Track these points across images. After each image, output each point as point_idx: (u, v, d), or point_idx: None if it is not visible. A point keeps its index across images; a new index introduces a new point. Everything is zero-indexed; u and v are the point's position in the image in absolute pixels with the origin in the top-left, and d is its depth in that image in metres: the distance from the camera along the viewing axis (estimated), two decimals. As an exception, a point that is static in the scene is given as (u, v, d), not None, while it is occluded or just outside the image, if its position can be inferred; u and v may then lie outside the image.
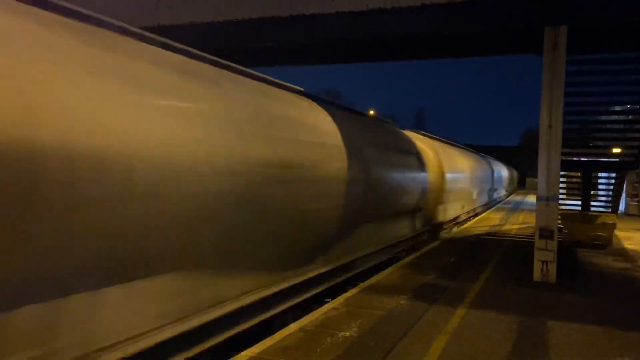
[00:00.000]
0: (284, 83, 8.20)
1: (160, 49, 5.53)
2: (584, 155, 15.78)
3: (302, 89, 8.79)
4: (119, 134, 4.14)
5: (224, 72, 6.53)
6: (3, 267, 3.42)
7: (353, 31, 9.08)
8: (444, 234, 17.00)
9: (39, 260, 3.64)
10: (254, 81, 7.23)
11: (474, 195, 24.68)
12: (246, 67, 7.16)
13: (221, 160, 5.37)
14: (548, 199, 9.32)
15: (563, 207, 15.72)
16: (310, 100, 8.75)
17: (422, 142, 15.98)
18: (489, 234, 16.94)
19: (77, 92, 3.88)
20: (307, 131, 7.74)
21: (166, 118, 4.80)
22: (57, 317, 3.85)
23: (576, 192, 16.70)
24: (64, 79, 3.83)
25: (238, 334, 6.06)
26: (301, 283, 7.65)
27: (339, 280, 9.04)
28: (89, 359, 4.05)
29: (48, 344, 3.79)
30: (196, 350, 5.30)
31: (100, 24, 4.76)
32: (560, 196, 13.13)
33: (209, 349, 5.57)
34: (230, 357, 5.35)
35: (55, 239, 3.71)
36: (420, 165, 14.18)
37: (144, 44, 5.26)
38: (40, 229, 3.57)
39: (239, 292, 6.08)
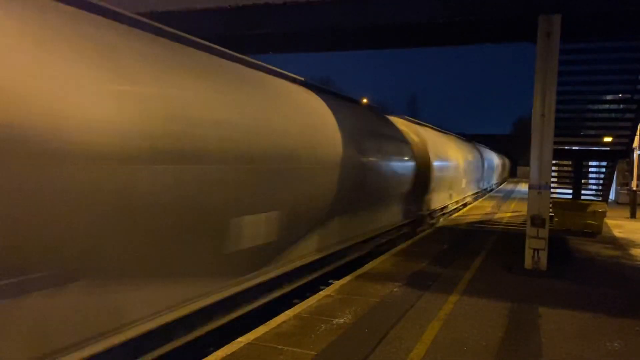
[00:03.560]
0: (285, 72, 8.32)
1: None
2: (576, 144, 15.90)
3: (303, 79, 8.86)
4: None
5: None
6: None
7: (349, 19, 9.05)
8: (436, 222, 17.06)
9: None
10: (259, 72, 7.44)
11: (465, 184, 24.45)
12: (241, 54, 7.13)
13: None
14: (540, 188, 9.39)
15: (554, 195, 15.85)
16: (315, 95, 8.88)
17: (409, 129, 15.23)
18: (481, 222, 17.07)
19: None
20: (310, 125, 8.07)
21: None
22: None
23: (567, 180, 16.84)
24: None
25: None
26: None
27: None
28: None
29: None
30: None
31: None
32: (552, 185, 13.23)
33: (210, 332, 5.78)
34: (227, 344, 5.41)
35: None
36: (405, 153, 13.49)
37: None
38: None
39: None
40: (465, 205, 23.94)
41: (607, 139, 15.55)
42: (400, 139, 13.58)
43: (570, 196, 15.62)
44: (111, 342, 4.22)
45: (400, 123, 15.13)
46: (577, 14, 9.30)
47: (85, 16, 4.43)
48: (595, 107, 15.38)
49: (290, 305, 6.97)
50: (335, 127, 8.82)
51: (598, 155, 16.94)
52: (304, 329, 5.90)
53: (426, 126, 19.06)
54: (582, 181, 16.39)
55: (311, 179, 7.90)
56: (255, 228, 6.41)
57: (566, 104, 13.75)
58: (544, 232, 9.36)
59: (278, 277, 7.29)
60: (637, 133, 16.71)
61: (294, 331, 5.81)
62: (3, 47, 3.41)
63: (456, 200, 22.28)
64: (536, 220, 9.40)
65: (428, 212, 16.64)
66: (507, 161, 60.04)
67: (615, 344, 5.77)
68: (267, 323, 6.05)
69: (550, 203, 12.15)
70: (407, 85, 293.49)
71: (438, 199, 18.11)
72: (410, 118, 17.68)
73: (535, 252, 9.43)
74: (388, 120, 13.92)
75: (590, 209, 14.32)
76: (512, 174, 66.66)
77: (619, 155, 15.13)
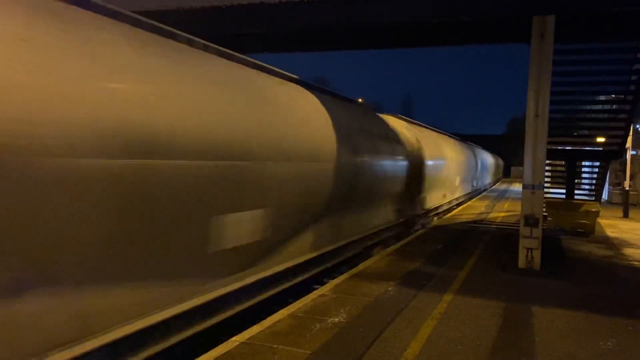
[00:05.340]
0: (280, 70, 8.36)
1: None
2: (569, 144, 15.96)
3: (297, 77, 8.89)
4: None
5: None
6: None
7: (343, 19, 9.04)
8: (430, 222, 17.09)
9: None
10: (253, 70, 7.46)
11: (459, 183, 24.51)
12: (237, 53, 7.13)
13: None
14: (534, 187, 9.43)
15: (547, 195, 15.91)
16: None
17: (403, 128, 15.10)
18: (475, 221, 17.12)
19: None
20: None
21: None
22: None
23: (560, 180, 16.92)
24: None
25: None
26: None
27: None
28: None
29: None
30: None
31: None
32: (545, 184, 13.28)
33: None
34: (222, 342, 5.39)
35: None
36: (399, 152, 13.40)
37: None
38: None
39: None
40: (459, 204, 23.97)
41: (600, 139, 15.64)
42: (393, 137, 13.43)
43: (563, 196, 15.69)
44: (105, 340, 4.21)
45: (393, 121, 14.95)
46: (571, 14, 9.35)
47: None
48: (589, 107, 15.44)
49: (285, 304, 6.96)
50: (330, 125, 8.82)
51: (591, 156, 17.01)
52: (298, 328, 5.90)
53: (420, 125, 19.03)
54: (576, 181, 16.46)
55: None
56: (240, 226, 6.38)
57: (560, 104, 13.81)
58: (538, 232, 9.40)
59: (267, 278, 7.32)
60: (630, 133, 16.80)
61: (289, 330, 5.81)
62: None
63: (450, 200, 22.25)
64: (530, 220, 9.44)
65: (422, 212, 16.63)
66: (500, 161, 60.29)
67: (609, 343, 5.80)
68: (261, 322, 6.04)
69: (544, 203, 12.19)
70: (402, 85, 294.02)
71: (432, 199, 18.13)
72: (402, 116, 17.34)
73: (529, 252, 9.47)
74: (381, 119, 13.83)
75: (583, 208, 14.39)
76: (505, 174, 66.91)
77: (612, 155, 15.20)
